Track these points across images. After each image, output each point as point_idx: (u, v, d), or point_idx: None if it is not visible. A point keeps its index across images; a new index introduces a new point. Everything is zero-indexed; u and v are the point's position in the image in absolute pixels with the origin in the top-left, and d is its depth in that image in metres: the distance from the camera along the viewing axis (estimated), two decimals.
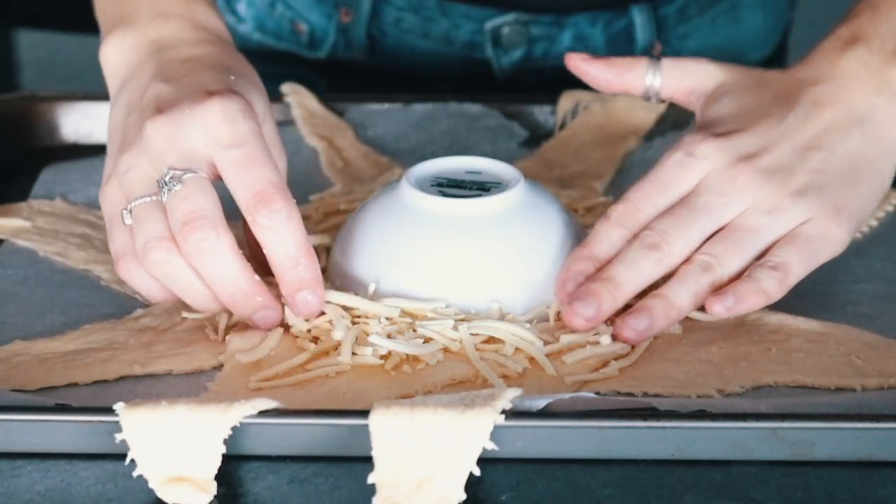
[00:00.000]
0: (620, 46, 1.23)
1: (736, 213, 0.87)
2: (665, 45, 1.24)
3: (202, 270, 0.85)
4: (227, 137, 0.86)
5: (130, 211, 0.87)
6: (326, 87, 1.20)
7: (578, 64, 0.96)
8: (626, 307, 0.86)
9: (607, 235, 0.87)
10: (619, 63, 0.96)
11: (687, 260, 0.86)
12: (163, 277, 0.86)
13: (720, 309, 0.85)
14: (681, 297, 0.85)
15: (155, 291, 0.88)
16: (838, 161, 0.88)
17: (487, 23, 1.23)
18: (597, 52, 1.17)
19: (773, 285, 0.86)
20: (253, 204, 0.84)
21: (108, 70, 0.95)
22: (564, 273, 0.86)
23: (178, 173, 0.85)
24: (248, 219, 0.85)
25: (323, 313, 0.86)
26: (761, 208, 0.87)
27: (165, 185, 0.85)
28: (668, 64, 0.95)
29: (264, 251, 0.85)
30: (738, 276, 0.86)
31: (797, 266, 0.86)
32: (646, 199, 0.88)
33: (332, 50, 1.26)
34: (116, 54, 0.95)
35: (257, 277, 0.85)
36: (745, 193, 0.87)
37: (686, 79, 0.94)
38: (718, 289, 0.86)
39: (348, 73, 1.28)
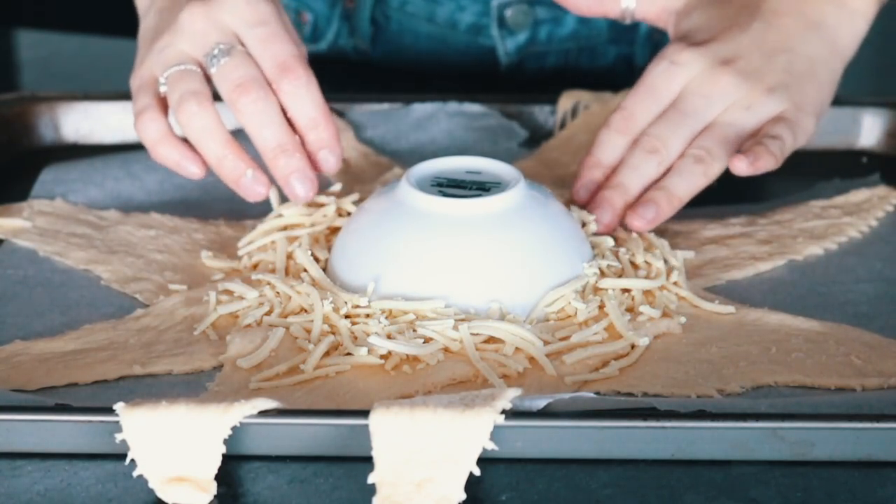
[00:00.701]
0: (623, 30, 1.24)
1: (719, 111, 0.97)
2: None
3: (253, 125, 0.92)
4: (251, 17, 0.94)
5: (166, 79, 0.94)
6: (326, 87, 1.20)
7: None
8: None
9: (609, 142, 0.98)
10: None
11: (681, 154, 0.97)
12: (191, 127, 0.93)
13: (744, 166, 0.94)
14: (679, 187, 0.96)
15: (162, 147, 0.94)
16: (800, 62, 0.99)
17: (494, 1, 1.23)
18: (600, 35, 1.19)
19: (778, 149, 0.95)
20: (277, 72, 0.93)
21: (141, 5, 1.02)
22: (578, 181, 0.98)
23: (225, 46, 0.94)
24: (274, 86, 0.93)
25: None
26: (741, 105, 0.97)
27: (215, 57, 0.94)
28: None
29: (289, 115, 0.94)
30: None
31: (787, 137, 0.96)
32: (639, 105, 0.98)
33: (334, 39, 1.26)
34: None
35: (295, 137, 0.94)
36: (726, 93, 0.97)
37: (658, 0, 1.04)
38: (709, 176, 0.96)
39: (348, 69, 1.28)
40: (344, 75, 1.28)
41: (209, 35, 0.95)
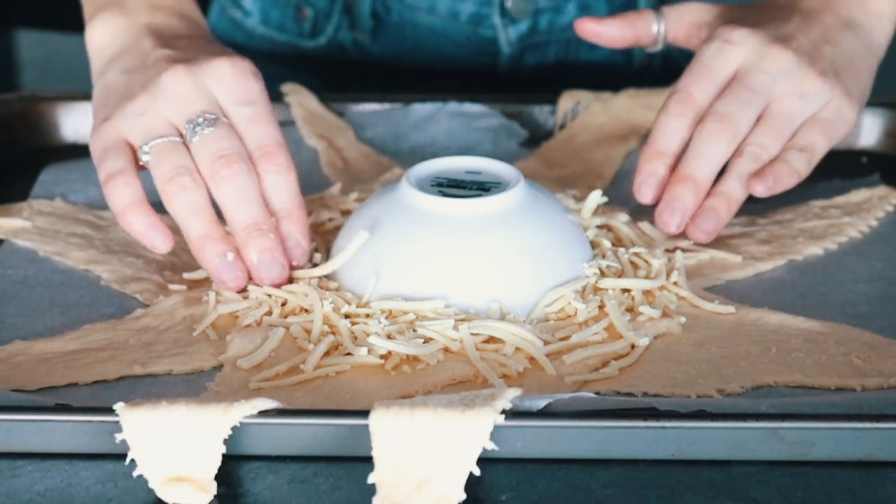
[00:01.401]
0: None
1: (779, 91, 0.97)
2: None
3: (231, 198, 0.90)
4: (240, 94, 0.93)
5: (151, 149, 0.91)
6: (325, 86, 1.20)
7: (590, 27, 1.04)
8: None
9: (669, 128, 0.96)
10: (629, 17, 1.04)
11: (736, 153, 0.95)
12: (182, 203, 0.90)
13: (762, 188, 0.95)
14: (736, 190, 0.95)
15: (135, 212, 0.90)
16: (842, 54, 0.99)
17: None
18: None
19: (803, 165, 0.96)
20: (259, 156, 0.91)
21: (93, 48, 1.00)
22: (639, 177, 0.96)
23: (210, 117, 0.91)
24: (257, 163, 0.91)
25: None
26: (795, 92, 0.97)
27: (198, 125, 0.91)
28: (668, 10, 1.04)
29: (265, 197, 0.91)
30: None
31: (821, 146, 0.97)
32: (695, 86, 0.97)
33: (334, 34, 1.26)
34: (105, 35, 0.99)
35: (269, 217, 0.91)
36: (785, 70, 0.97)
37: (685, 17, 1.04)
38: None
39: (347, 67, 1.28)
40: (342, 72, 1.28)
41: (194, 102, 0.92)
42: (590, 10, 1.23)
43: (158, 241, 0.90)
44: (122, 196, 0.90)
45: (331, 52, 1.28)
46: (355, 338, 0.85)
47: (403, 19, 1.25)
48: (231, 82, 0.93)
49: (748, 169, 0.95)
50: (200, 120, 0.91)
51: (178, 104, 0.92)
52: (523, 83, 1.26)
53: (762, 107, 0.96)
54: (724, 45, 0.97)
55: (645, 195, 0.95)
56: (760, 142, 0.95)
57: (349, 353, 0.84)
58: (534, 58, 1.25)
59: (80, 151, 1.11)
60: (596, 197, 0.97)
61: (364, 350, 0.83)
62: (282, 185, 0.91)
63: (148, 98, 0.93)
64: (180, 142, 0.91)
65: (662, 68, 1.26)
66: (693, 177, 0.94)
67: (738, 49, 0.97)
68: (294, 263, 0.91)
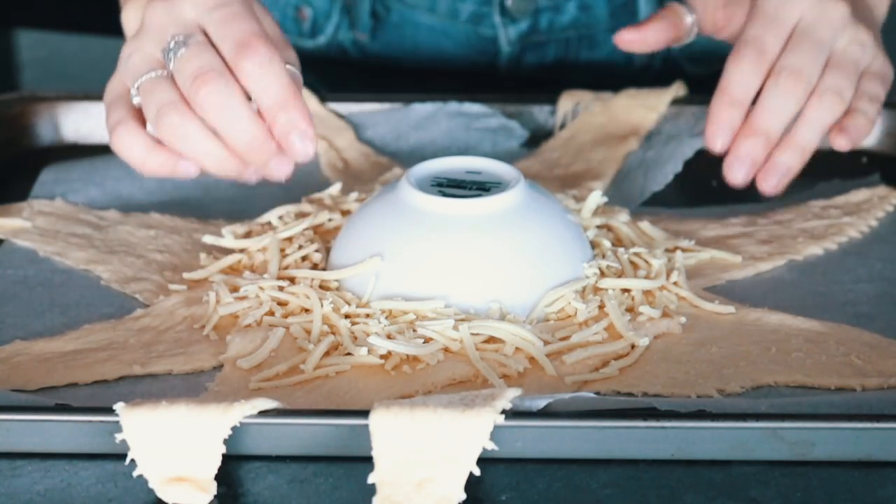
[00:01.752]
0: (623, 18, 1.24)
1: (841, 42, 0.97)
2: None
3: (216, 122, 0.85)
4: (211, 2, 0.87)
5: (138, 89, 0.88)
6: (325, 86, 1.20)
7: (631, 38, 1.04)
8: None
9: (742, 77, 0.95)
10: (663, 16, 1.04)
11: (813, 93, 0.95)
12: (176, 140, 0.86)
13: (845, 142, 0.96)
14: (810, 141, 0.95)
15: (149, 159, 0.88)
16: (864, 20, 0.99)
17: None
18: (599, 24, 1.20)
19: (874, 114, 0.97)
20: (235, 52, 0.85)
21: (127, 28, 0.97)
22: (712, 125, 0.95)
23: (180, 38, 0.87)
24: (234, 68, 0.85)
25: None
26: (856, 41, 0.97)
27: (171, 51, 0.87)
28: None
29: (254, 100, 0.85)
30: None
31: (881, 97, 0.98)
32: (768, 35, 0.96)
33: (333, 33, 1.26)
34: (135, 17, 0.95)
35: (265, 125, 0.86)
36: (845, 23, 0.97)
37: (709, 1, 1.03)
38: (835, 116, 0.95)
39: (346, 67, 1.28)
40: (342, 72, 1.28)
41: (167, 29, 0.88)
42: (589, 9, 1.23)
43: (189, 167, 0.87)
44: (133, 147, 0.88)
45: (330, 52, 1.28)
46: (355, 338, 0.85)
47: (403, 18, 1.25)
48: None
49: (824, 119, 0.95)
50: (172, 44, 0.87)
51: (154, 36, 0.89)
52: (523, 83, 1.26)
53: (825, 59, 0.96)
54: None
55: (717, 143, 0.95)
56: (837, 85, 0.95)
57: (349, 353, 0.84)
58: (533, 57, 1.25)
59: (80, 151, 1.11)
60: (596, 197, 0.97)
61: (364, 350, 0.83)
62: (267, 77, 0.85)
63: (135, 40, 0.90)
64: (163, 74, 0.88)
65: (663, 68, 1.26)
66: (765, 131, 0.94)
67: (797, 2, 0.96)
68: (304, 151, 0.85)
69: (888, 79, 0.99)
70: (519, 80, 1.26)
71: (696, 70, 1.27)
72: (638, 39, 1.03)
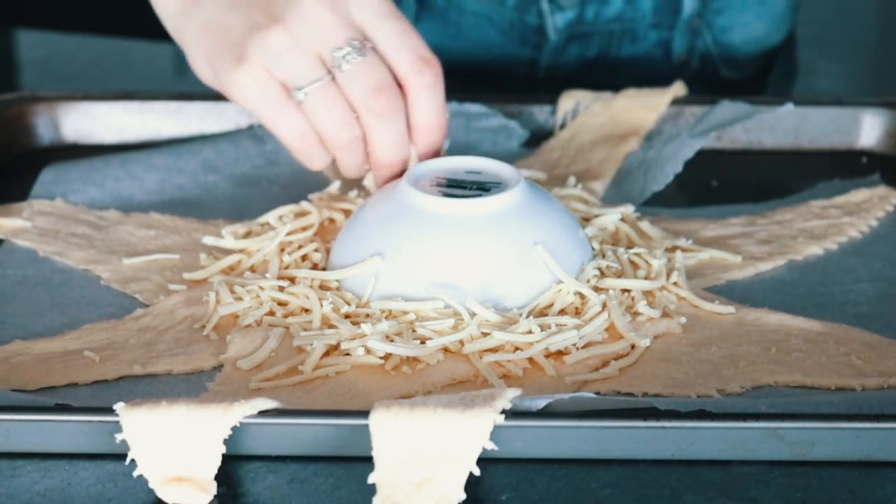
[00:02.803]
0: (666, 14, 1.24)
1: None
2: (701, 18, 1.25)
3: (376, 136, 0.90)
4: (385, 9, 0.90)
5: (306, 95, 0.90)
6: None
7: None
8: None
9: None
10: None
11: None
12: (351, 163, 0.92)
13: None
14: None
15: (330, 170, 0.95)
16: None
17: None
18: (644, 18, 1.20)
19: None
20: (418, 66, 0.90)
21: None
22: None
23: (358, 44, 0.89)
24: (410, 79, 0.90)
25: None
26: None
27: (348, 55, 0.89)
28: None
29: (412, 109, 0.91)
30: None
31: None
32: None
33: None
34: None
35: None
36: None
37: None
38: None
39: None
40: None
41: (338, 30, 0.89)
42: (635, 2, 1.24)
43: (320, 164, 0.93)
44: (319, 161, 0.93)
45: None
46: (354, 338, 0.85)
47: (449, 3, 1.25)
48: (373, 1, 0.90)
49: None
50: (348, 49, 0.89)
51: (319, 34, 0.89)
52: (560, 81, 1.26)
53: None
54: None
55: None
56: None
57: (348, 354, 0.84)
58: (577, 49, 1.24)
59: (80, 151, 1.11)
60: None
61: (362, 350, 0.83)
62: (433, 98, 0.91)
63: (286, 30, 0.89)
64: (331, 79, 0.90)
65: (700, 67, 1.26)
66: None
67: None
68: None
69: None
70: (557, 73, 1.25)
71: (732, 74, 1.27)
72: None
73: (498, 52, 1.25)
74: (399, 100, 0.90)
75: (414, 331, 0.85)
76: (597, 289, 0.90)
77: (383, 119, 0.90)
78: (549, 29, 1.24)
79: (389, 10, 0.90)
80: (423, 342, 0.84)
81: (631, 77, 1.15)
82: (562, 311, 0.88)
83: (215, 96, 0.94)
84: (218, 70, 0.91)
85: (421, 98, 0.90)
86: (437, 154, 0.94)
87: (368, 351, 0.84)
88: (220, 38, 0.91)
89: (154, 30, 1.01)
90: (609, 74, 1.15)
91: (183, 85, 1.25)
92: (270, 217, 0.98)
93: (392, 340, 0.84)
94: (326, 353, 0.84)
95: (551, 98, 1.14)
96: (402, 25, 0.90)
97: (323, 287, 0.90)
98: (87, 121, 1.14)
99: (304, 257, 0.94)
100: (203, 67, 0.93)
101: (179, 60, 1.38)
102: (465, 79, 1.24)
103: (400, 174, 0.93)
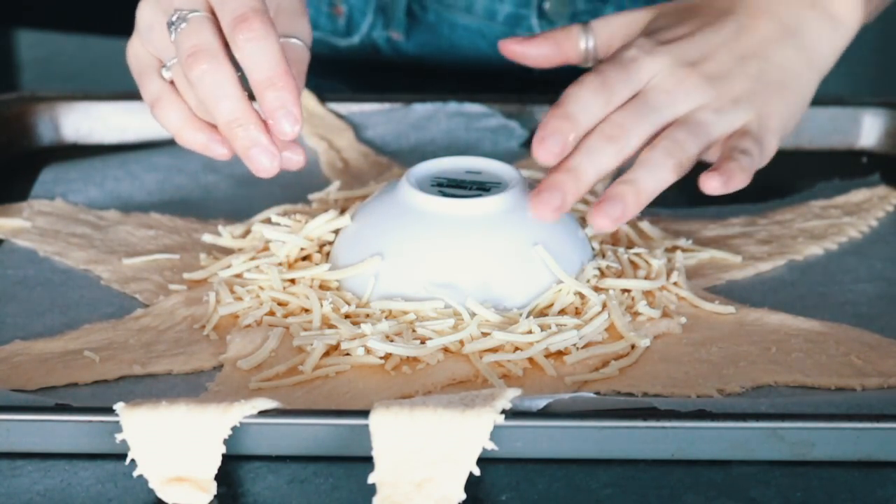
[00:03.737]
0: None
1: (683, 112, 0.90)
2: None
3: (205, 100, 0.86)
4: None
5: (169, 67, 0.89)
6: (354, 87, 1.20)
7: (514, 48, 0.99)
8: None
9: (579, 96, 0.89)
10: (554, 35, 0.99)
11: (648, 145, 0.89)
12: (164, 117, 0.89)
13: (716, 184, 0.87)
14: (647, 182, 0.87)
15: (188, 129, 0.89)
16: (773, 71, 0.92)
17: None
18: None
19: (749, 165, 0.89)
20: (232, 26, 0.85)
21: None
22: (542, 131, 0.88)
23: (183, 13, 0.86)
24: (230, 42, 0.85)
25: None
26: (709, 108, 0.90)
27: (173, 24, 0.87)
28: (597, 24, 0.98)
29: (248, 77, 0.85)
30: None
31: (756, 153, 0.90)
32: (613, 72, 0.90)
33: (368, 31, 1.26)
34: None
35: (255, 112, 0.86)
36: (690, 96, 0.90)
37: (616, 31, 0.98)
38: (679, 171, 0.88)
39: (378, 68, 1.27)
40: (373, 73, 1.27)
41: (172, 1, 0.88)
42: None
43: (220, 150, 0.88)
44: (173, 118, 0.89)
45: (364, 51, 1.28)
46: (354, 338, 0.85)
47: (440, 18, 1.24)
48: None
49: (660, 162, 0.88)
50: (174, 18, 0.87)
51: (164, 7, 0.89)
52: (557, 87, 1.25)
53: (658, 124, 0.90)
54: (638, 53, 0.91)
55: (541, 152, 0.87)
56: (674, 137, 0.89)
57: (348, 354, 0.84)
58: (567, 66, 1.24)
59: (80, 151, 1.11)
60: None
61: (362, 350, 0.83)
62: (259, 53, 0.84)
63: (148, 9, 0.90)
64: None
65: None
66: (577, 169, 0.87)
67: (650, 62, 0.91)
68: (289, 131, 0.84)
69: (762, 140, 0.91)
70: (553, 83, 1.25)
71: None
72: (520, 53, 1.00)
73: (491, 64, 1.24)
74: (220, 63, 0.85)
75: (414, 331, 0.85)
76: (597, 289, 0.90)
77: (204, 83, 0.85)
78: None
79: None
80: (423, 342, 0.84)
81: None
82: (562, 311, 0.88)
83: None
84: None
85: (243, 55, 0.84)
86: (292, 117, 0.84)
87: (368, 351, 0.84)
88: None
89: None
90: None
91: None
92: (269, 215, 0.98)
93: (392, 340, 0.84)
94: (326, 353, 0.84)
95: (551, 98, 1.14)
96: None
97: (323, 287, 0.90)
98: (87, 121, 1.14)
99: (304, 257, 0.94)
100: None
101: None
102: (458, 87, 1.24)
103: (270, 146, 0.86)
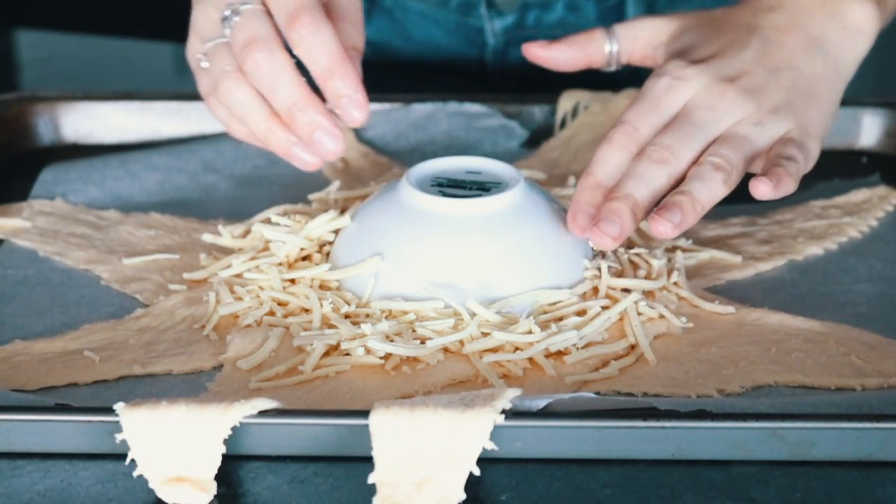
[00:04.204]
0: (610, 21, 1.23)
1: (726, 126, 0.91)
2: None
3: (262, 88, 0.88)
4: None
5: (206, 55, 0.91)
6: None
7: (538, 52, 1.01)
8: None
9: (610, 160, 0.90)
10: (578, 39, 1.00)
11: (696, 163, 0.90)
12: (233, 106, 0.89)
13: (767, 189, 0.88)
14: (701, 192, 0.88)
15: (233, 125, 0.92)
16: (804, 81, 0.94)
17: None
18: (587, 25, 1.18)
19: (795, 171, 0.89)
20: (286, 24, 0.86)
21: None
22: (574, 207, 0.89)
23: (235, 6, 0.88)
24: (288, 40, 0.87)
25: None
26: (749, 121, 0.91)
27: (226, 20, 0.89)
28: (620, 28, 1.01)
29: (308, 68, 0.87)
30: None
31: (801, 159, 0.91)
32: (643, 120, 0.91)
33: None
34: None
35: (314, 96, 0.87)
36: (733, 109, 0.92)
37: (640, 37, 1.00)
38: (729, 185, 0.89)
39: None
40: None
41: None
42: (578, 9, 1.23)
43: (333, 146, 0.88)
44: (218, 114, 0.92)
45: None
46: (354, 338, 0.85)
47: (395, 3, 1.25)
48: None
49: (711, 175, 0.88)
50: (228, 12, 0.89)
51: (215, 2, 0.91)
52: (510, 76, 1.25)
53: (705, 142, 0.91)
54: (673, 81, 0.93)
55: (580, 224, 0.88)
56: (720, 153, 0.90)
57: (348, 354, 0.84)
58: (519, 52, 1.24)
59: (80, 151, 1.11)
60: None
61: (362, 350, 0.83)
62: (316, 45, 0.86)
63: (200, 6, 0.92)
64: (223, 41, 0.90)
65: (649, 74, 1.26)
66: (631, 195, 0.88)
67: (686, 86, 0.92)
68: (357, 116, 0.87)
69: (805, 146, 0.92)
70: (506, 73, 1.25)
71: None
72: (545, 57, 1.01)
73: (446, 51, 1.25)
74: (275, 52, 0.87)
75: (414, 331, 0.85)
76: (596, 289, 0.89)
77: (260, 72, 0.87)
78: (488, 33, 1.24)
79: None
80: (423, 342, 0.84)
81: (580, 78, 1.14)
82: (561, 316, 0.88)
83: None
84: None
85: (300, 50, 0.86)
86: (357, 104, 0.87)
87: (368, 351, 0.84)
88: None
89: (154, 30, 1.02)
90: (558, 74, 1.14)
91: (183, 85, 1.26)
92: (269, 214, 0.98)
93: (392, 340, 0.84)
94: (326, 354, 0.84)
95: (551, 98, 1.14)
96: None
97: (323, 287, 0.90)
98: (87, 121, 1.14)
99: (304, 257, 0.94)
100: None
101: (179, 60, 1.38)
102: (416, 74, 1.24)
103: (332, 129, 0.88)
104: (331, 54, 0.86)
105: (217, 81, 0.90)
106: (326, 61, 0.86)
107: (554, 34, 1.16)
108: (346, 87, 0.86)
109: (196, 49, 0.93)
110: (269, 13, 0.88)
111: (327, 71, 0.86)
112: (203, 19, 0.92)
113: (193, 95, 1.14)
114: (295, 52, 0.87)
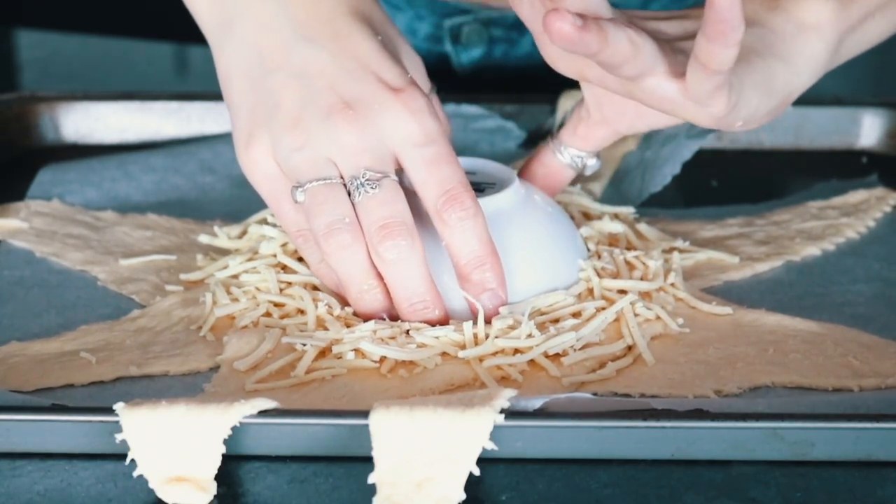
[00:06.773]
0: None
1: None
2: None
3: (390, 274, 0.84)
4: (418, 136, 0.84)
5: (305, 191, 0.85)
6: None
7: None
8: None
9: None
10: (537, 161, 0.95)
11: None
12: (339, 261, 0.85)
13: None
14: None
15: (324, 270, 0.88)
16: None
17: (447, 21, 1.23)
18: None
19: None
20: (443, 202, 0.84)
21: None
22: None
23: (375, 175, 0.84)
24: (436, 217, 0.84)
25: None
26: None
27: (361, 185, 0.84)
28: (565, 133, 0.94)
29: (449, 250, 0.85)
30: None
31: None
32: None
33: None
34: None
35: (436, 289, 0.85)
36: None
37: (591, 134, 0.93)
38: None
39: None
40: None
41: (361, 156, 0.84)
42: None
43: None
44: (313, 259, 0.88)
45: None
46: (340, 342, 0.85)
47: None
48: (407, 125, 0.84)
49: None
50: (364, 179, 0.84)
51: (343, 154, 0.85)
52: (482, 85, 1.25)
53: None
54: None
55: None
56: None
57: (341, 356, 0.84)
58: (491, 75, 1.24)
59: (79, 151, 1.11)
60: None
61: (352, 355, 0.83)
62: (470, 231, 0.83)
63: (304, 135, 0.85)
64: (338, 183, 0.84)
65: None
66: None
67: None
68: (489, 307, 0.85)
69: None
70: (478, 85, 1.25)
71: None
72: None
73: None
74: (413, 242, 0.83)
75: (408, 333, 0.85)
76: (591, 290, 0.89)
77: (394, 259, 0.83)
78: (455, 65, 1.24)
79: (424, 136, 0.84)
80: (419, 346, 0.84)
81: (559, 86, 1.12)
82: (558, 318, 0.88)
83: (215, 96, 0.94)
84: (239, 133, 0.88)
85: (452, 232, 0.84)
86: (499, 300, 0.85)
87: (361, 354, 0.83)
88: (267, 107, 0.87)
89: (154, 30, 1.01)
90: (556, 75, 1.12)
91: (183, 85, 1.26)
92: (265, 215, 0.98)
93: (387, 343, 0.84)
94: (322, 356, 0.84)
95: (551, 98, 1.14)
96: (434, 153, 0.84)
97: (318, 288, 0.90)
98: (87, 121, 1.14)
99: (301, 258, 0.94)
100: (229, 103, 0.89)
101: (179, 60, 1.38)
102: None
103: (445, 320, 0.86)
104: (483, 244, 0.84)
105: (330, 231, 0.84)
106: (479, 250, 0.84)
107: (523, 65, 1.15)
108: (494, 280, 0.85)
109: (271, 172, 0.87)
110: (402, 184, 0.85)
111: (479, 260, 0.84)
112: (306, 152, 0.85)
113: (193, 95, 1.14)
114: (442, 233, 0.84)
